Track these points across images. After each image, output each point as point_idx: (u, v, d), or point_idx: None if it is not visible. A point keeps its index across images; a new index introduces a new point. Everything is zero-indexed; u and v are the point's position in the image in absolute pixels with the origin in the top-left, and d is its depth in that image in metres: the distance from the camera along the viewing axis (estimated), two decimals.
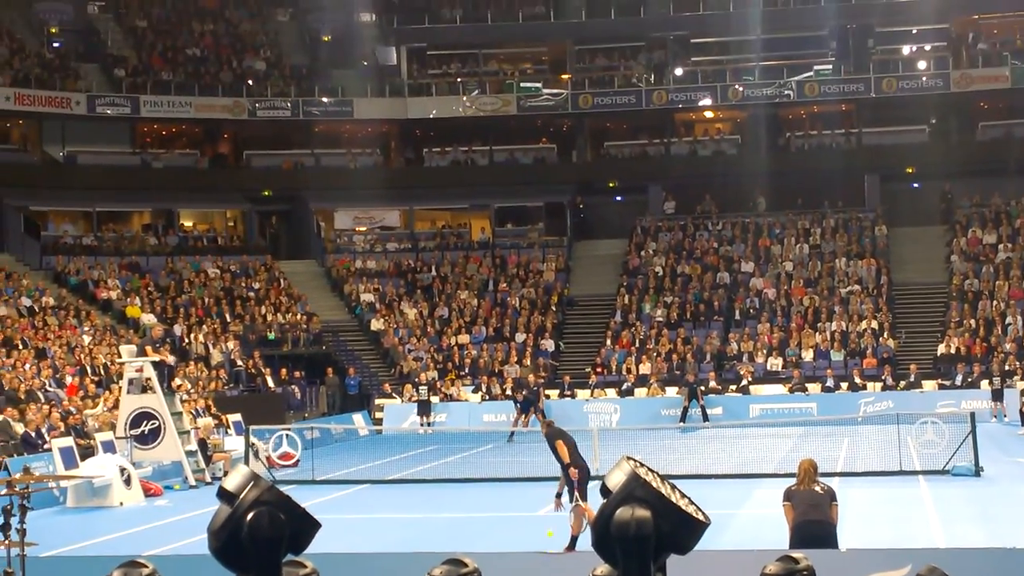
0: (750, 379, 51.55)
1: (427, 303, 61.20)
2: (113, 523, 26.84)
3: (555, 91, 68.56)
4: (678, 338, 55.66)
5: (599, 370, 53.98)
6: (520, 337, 57.68)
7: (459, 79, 70.30)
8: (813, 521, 15.35)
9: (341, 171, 67.75)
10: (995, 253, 59.29)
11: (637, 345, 55.75)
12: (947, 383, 49.61)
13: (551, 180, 68.21)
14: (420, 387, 50.56)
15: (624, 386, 51.95)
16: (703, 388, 49.07)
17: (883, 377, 50.21)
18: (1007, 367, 49.87)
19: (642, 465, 10.39)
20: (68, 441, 31.85)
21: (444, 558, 12.60)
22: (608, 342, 56.45)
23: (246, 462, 32.11)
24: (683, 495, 10.43)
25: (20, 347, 44.52)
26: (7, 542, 12.39)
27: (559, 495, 21.73)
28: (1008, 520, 23.78)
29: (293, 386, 52.63)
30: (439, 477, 33.86)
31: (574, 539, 20.46)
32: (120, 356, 37.39)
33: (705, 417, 47.38)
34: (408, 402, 50.85)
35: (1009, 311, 54.48)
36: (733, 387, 51.19)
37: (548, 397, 49.71)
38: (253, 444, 34.92)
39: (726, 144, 69.37)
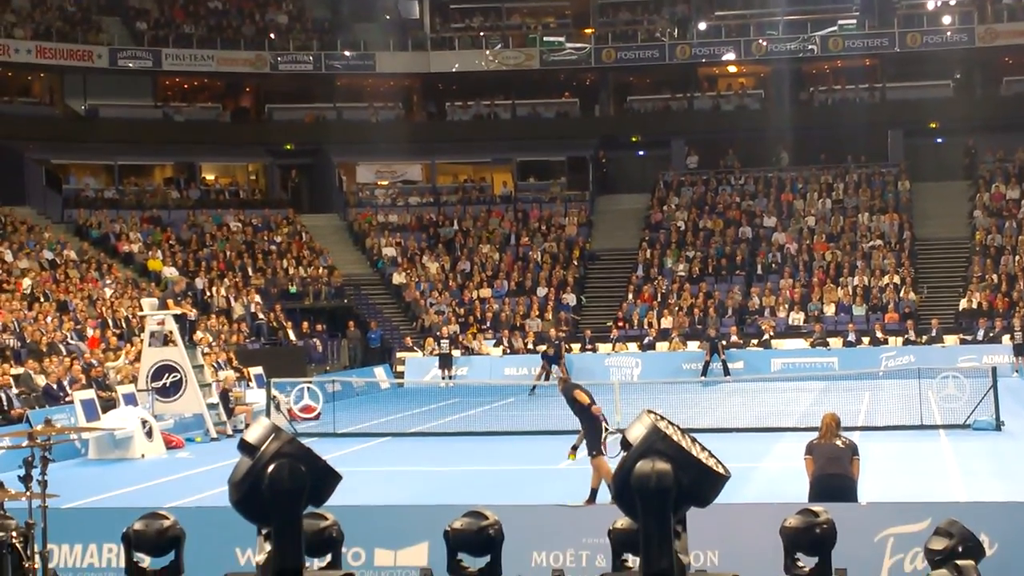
0: (772, 333, 51.48)
1: (449, 257, 61.19)
2: (134, 475, 26.94)
3: (578, 45, 68.31)
4: (700, 292, 55.58)
5: (620, 324, 53.93)
6: (542, 291, 57.65)
7: (482, 33, 70.08)
8: (832, 475, 15.35)
9: (363, 125, 67.61)
10: (1018, 208, 59.07)
11: (659, 299, 55.71)
12: (969, 338, 49.48)
13: (573, 134, 68.01)
14: (441, 341, 50.56)
15: (645, 340, 51.92)
16: (724, 342, 49.01)
17: (905, 332, 50.14)
18: None
19: (663, 419, 10.40)
20: (90, 393, 31.97)
21: (464, 511, 12.65)
22: (630, 296, 56.42)
23: (267, 415, 32.19)
24: (703, 448, 10.44)
25: (42, 300, 44.62)
26: (29, 493, 12.43)
27: (575, 447, 21.73)
28: None
29: (315, 339, 52.70)
30: (460, 430, 33.90)
31: (593, 492, 20.46)
32: (141, 309, 37.44)
33: (726, 371, 47.32)
34: (429, 356, 50.86)
35: None
36: (755, 341, 51.15)
37: (570, 351, 49.70)
38: (274, 397, 35.02)
39: (749, 99, 69.14)
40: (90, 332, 42.10)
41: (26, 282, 45.76)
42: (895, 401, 34.30)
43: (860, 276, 55.31)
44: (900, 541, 14.04)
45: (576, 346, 51.42)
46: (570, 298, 57.44)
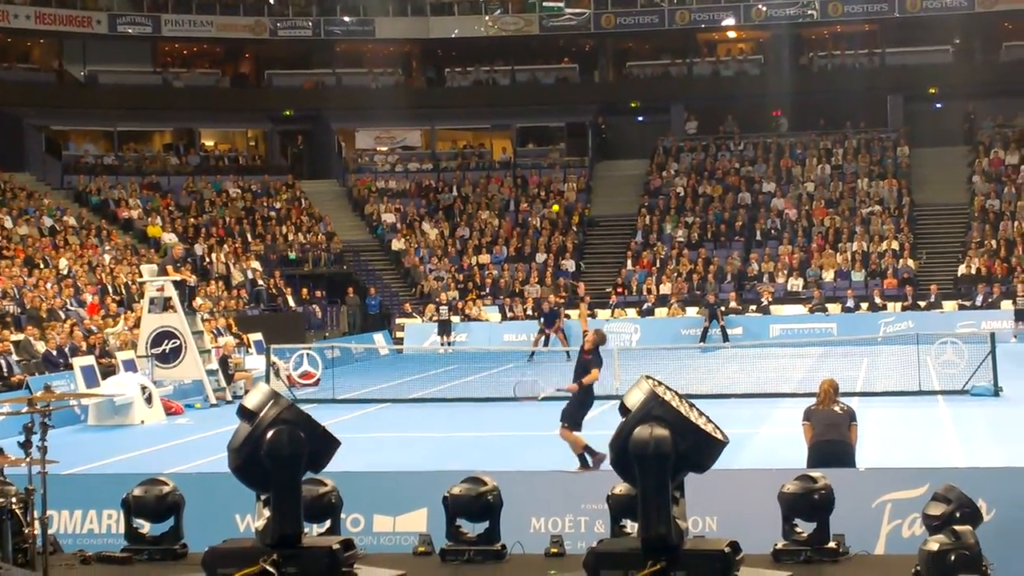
0: (770, 299, 51.43)
1: (448, 223, 61.16)
2: (134, 441, 26.98)
3: (577, 10, 68.07)
4: (699, 258, 55.54)
5: (619, 290, 53.94)
6: (541, 257, 57.63)
7: None
8: (830, 441, 15.39)
9: (362, 91, 67.55)
10: (1017, 174, 58.97)
11: (658, 265, 55.67)
12: (967, 303, 49.42)
13: (573, 100, 67.96)
14: (440, 307, 50.55)
15: (644, 306, 51.87)
16: (723, 308, 48.98)
17: (904, 297, 50.12)
18: None
19: (661, 384, 10.44)
20: (89, 360, 31.98)
21: (463, 477, 12.70)
22: (629, 262, 56.39)
23: (267, 381, 32.21)
24: (702, 414, 10.49)
25: (41, 266, 44.61)
26: (28, 459, 12.42)
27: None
28: None
29: (314, 305, 52.72)
30: (459, 396, 33.94)
31: (581, 457, 20.47)
32: (141, 275, 37.45)
33: (725, 337, 47.30)
34: (428, 322, 50.85)
35: None
36: (753, 307, 51.10)
37: (568, 317, 49.61)
38: (274, 363, 35.05)
39: (748, 64, 69.00)
40: (89, 298, 42.08)
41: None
42: (894, 367, 34.27)
43: (859, 242, 55.27)
44: (898, 507, 14.07)
45: (575, 312, 51.29)
46: (569, 264, 57.42)
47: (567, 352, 41.13)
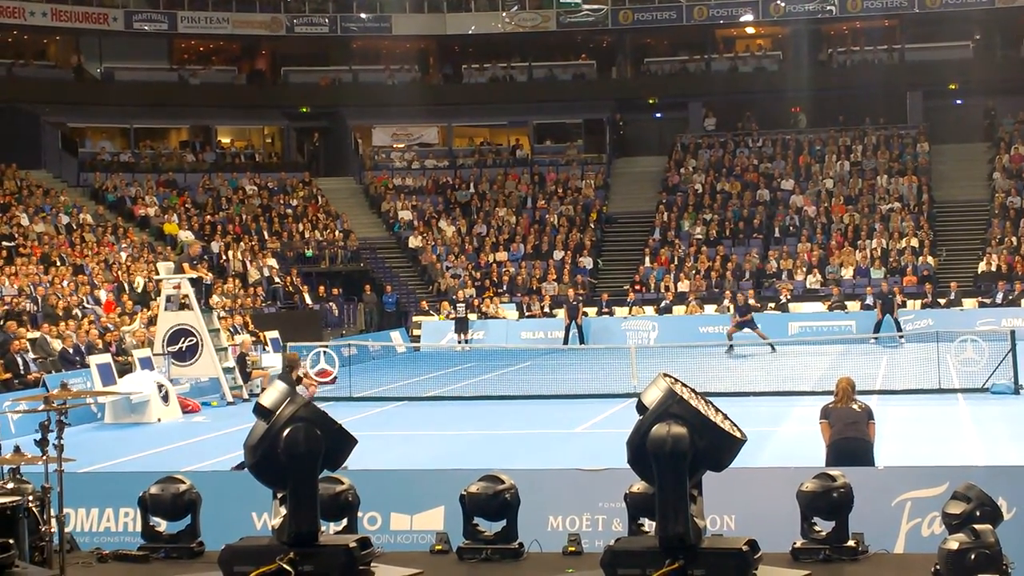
0: (789, 297, 51.29)
1: (465, 220, 61.11)
2: (151, 439, 26.97)
3: (595, 7, 67.81)
4: (717, 256, 55.42)
5: (637, 288, 53.79)
6: (558, 254, 57.54)
7: None
8: (849, 439, 15.34)
9: (379, 88, 67.50)
10: None
11: (676, 263, 55.57)
12: (987, 301, 49.24)
13: (590, 97, 67.81)
14: (458, 304, 50.50)
15: (662, 304, 51.77)
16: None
17: (924, 295, 49.95)
18: None
19: (678, 382, 10.38)
20: (106, 358, 32.00)
21: (480, 475, 12.65)
22: (647, 260, 56.27)
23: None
24: (719, 412, 10.42)
25: (58, 264, 44.64)
26: (45, 458, 12.41)
27: None
28: None
29: (331, 303, 52.72)
30: (476, 394, 33.90)
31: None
32: (158, 273, 37.44)
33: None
34: (446, 319, 50.82)
35: None
36: (772, 305, 50.95)
37: (587, 315, 49.55)
38: None
39: (767, 60, 68.79)
40: (105, 296, 42.10)
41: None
42: (913, 365, 34.16)
43: (878, 239, 55.14)
44: (918, 505, 13.98)
45: (592, 310, 51.26)
46: (587, 261, 57.34)
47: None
